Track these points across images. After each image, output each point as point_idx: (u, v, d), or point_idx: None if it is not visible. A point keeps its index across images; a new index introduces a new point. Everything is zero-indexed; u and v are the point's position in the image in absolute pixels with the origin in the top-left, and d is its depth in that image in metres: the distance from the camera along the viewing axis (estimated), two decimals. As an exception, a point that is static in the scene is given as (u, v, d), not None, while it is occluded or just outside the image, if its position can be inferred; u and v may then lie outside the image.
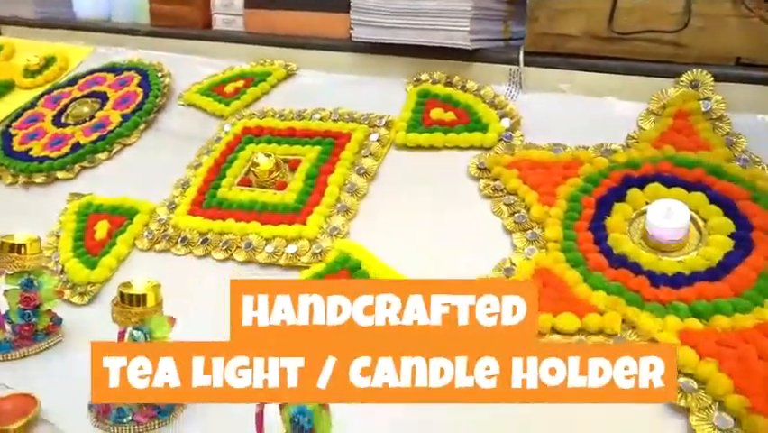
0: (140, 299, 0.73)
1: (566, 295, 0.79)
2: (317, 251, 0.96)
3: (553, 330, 0.76)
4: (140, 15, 1.72)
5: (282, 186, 1.10)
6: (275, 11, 1.44)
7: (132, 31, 1.64)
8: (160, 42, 1.60)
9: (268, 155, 1.11)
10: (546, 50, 1.12)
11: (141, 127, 1.36)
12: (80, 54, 1.69)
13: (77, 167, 1.30)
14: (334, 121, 1.19)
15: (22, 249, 0.86)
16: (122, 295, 0.73)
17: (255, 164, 1.11)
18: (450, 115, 1.12)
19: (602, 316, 0.75)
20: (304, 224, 1.00)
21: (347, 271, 0.92)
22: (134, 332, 0.72)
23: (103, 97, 1.46)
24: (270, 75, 1.36)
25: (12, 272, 0.86)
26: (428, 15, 1.15)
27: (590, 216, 0.88)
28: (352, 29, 1.26)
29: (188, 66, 1.51)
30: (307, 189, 1.06)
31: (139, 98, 1.41)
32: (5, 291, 0.87)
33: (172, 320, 0.74)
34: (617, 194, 0.89)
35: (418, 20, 1.17)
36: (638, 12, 1.04)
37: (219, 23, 1.54)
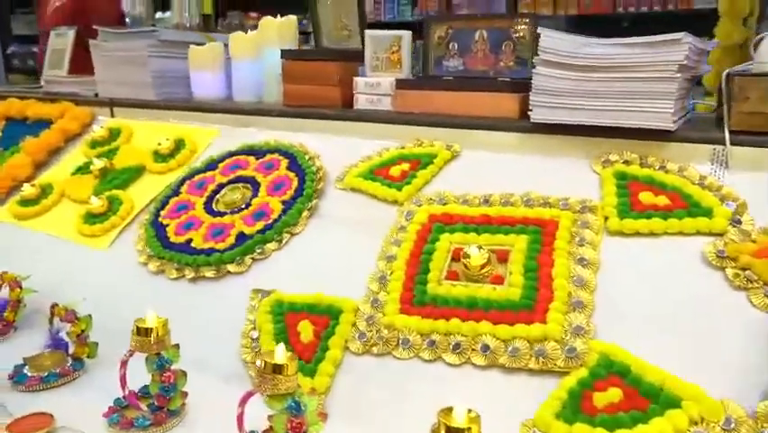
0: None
1: None
2: (571, 354, 0.90)
3: None
4: (267, 95, 1.71)
5: (498, 280, 1.05)
6: (430, 91, 1.43)
7: (265, 111, 1.62)
8: (291, 123, 1.58)
9: (480, 247, 1.07)
10: (757, 129, 1.10)
11: (305, 214, 1.32)
12: (207, 136, 1.66)
13: (247, 259, 1.25)
14: (528, 206, 1.16)
15: (284, 369, 0.80)
16: (447, 428, 0.67)
17: (466, 256, 1.06)
18: (662, 200, 1.08)
19: None
20: (544, 323, 0.95)
21: (617, 377, 0.86)
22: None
23: (252, 182, 1.43)
24: (436, 156, 1.33)
25: (274, 395, 0.80)
26: (626, 97, 1.14)
27: None
28: (530, 110, 1.25)
29: (331, 147, 1.48)
30: (531, 284, 1.02)
31: (294, 183, 1.38)
32: (271, 417, 0.81)
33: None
34: None
35: (612, 101, 1.15)
36: None
37: (362, 102, 1.52)
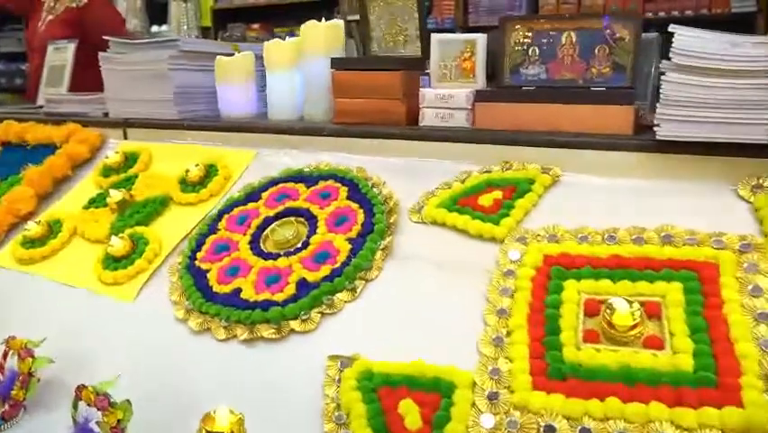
0: None
1: None
2: (793, 452, 0.68)
3: None
4: (309, 112, 1.48)
5: (655, 343, 0.82)
6: (518, 104, 1.21)
7: (313, 130, 1.38)
8: (344, 143, 1.35)
9: (629, 301, 0.84)
10: None
11: (379, 255, 1.09)
12: (242, 160, 1.43)
13: (315, 314, 1.01)
14: (670, 244, 0.93)
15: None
16: None
17: (610, 311, 0.84)
18: None
19: None
20: (739, 405, 0.72)
21: None
22: None
23: (307, 216, 1.20)
24: (534, 182, 1.11)
25: None
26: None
27: None
28: (656, 125, 1.03)
29: (396, 171, 1.25)
30: (704, 349, 0.79)
31: (360, 216, 1.15)
32: None
33: None
34: None
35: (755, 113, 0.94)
36: None
37: (430, 118, 1.30)
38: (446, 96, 1.27)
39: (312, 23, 1.42)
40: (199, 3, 4.67)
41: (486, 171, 1.18)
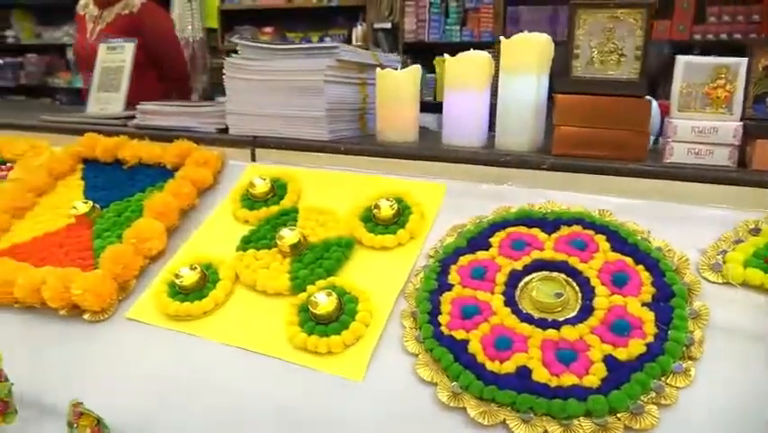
0: None
1: None
2: None
3: None
4: (504, 139, 1.26)
5: None
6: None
7: (528, 162, 1.17)
8: (562, 179, 1.15)
9: None
10: None
11: (691, 326, 0.89)
12: (435, 195, 1.20)
13: (649, 405, 0.80)
14: None
15: None
16: None
17: None
18: None
19: None
20: None
21: None
22: None
23: (569, 271, 0.98)
24: None
25: None
26: None
27: None
28: None
29: (645, 215, 1.06)
30: None
31: (644, 275, 0.95)
32: None
33: None
34: None
35: None
36: None
37: (680, 154, 1.12)
38: (707, 129, 1.09)
39: (522, 36, 1.21)
40: (205, 2, 4.33)
41: (779, 222, 1.01)
